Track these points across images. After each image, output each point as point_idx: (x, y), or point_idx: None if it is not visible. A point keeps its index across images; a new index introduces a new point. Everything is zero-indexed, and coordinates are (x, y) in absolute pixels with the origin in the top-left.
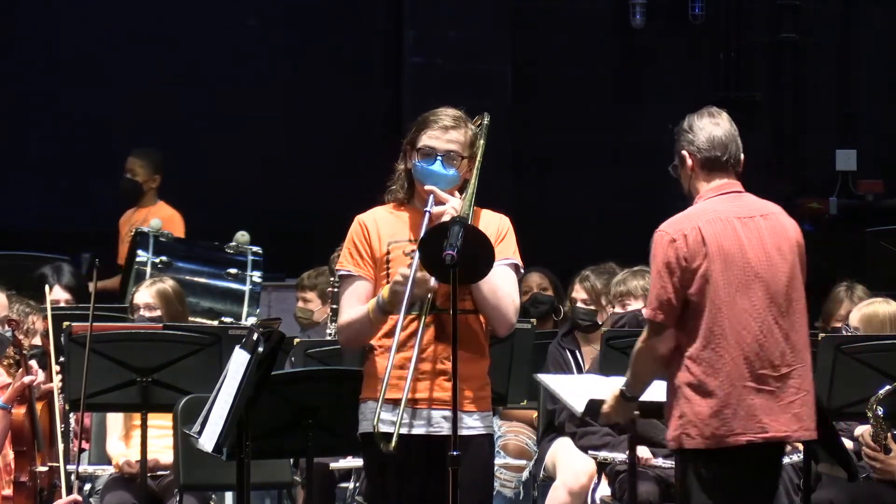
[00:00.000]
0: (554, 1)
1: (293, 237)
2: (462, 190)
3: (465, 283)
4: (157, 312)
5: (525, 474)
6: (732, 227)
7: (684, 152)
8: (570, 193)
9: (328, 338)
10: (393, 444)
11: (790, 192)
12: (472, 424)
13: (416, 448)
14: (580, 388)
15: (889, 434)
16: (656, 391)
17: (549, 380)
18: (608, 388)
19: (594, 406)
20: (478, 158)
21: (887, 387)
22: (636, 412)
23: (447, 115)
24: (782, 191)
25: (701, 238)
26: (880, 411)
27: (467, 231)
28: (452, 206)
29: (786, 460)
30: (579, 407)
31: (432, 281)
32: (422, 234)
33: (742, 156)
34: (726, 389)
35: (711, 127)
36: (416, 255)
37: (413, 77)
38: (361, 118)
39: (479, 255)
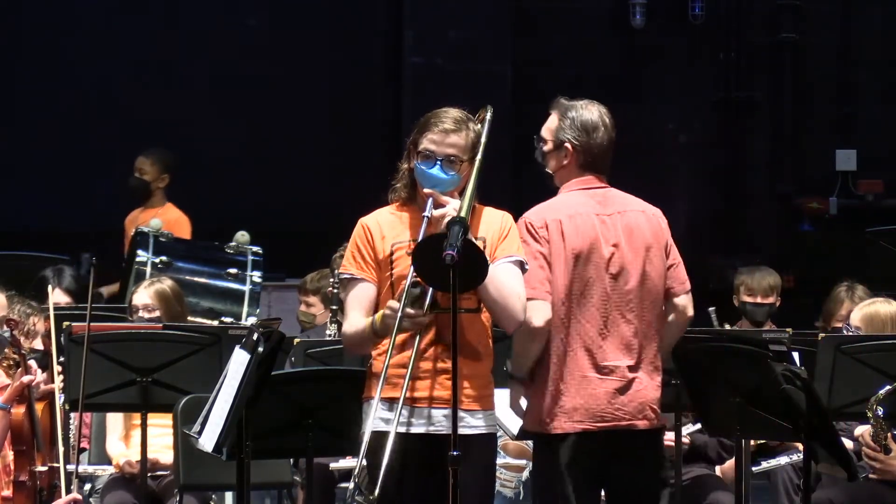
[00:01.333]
0: (554, 1)
1: (293, 237)
2: (463, 191)
3: (462, 292)
4: (156, 313)
5: (525, 474)
6: (591, 224)
7: (568, 145)
8: None
9: (328, 338)
10: (375, 496)
11: (790, 192)
12: (474, 423)
13: (417, 447)
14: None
15: (889, 434)
16: None
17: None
18: None
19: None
20: (478, 158)
21: (887, 387)
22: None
23: (449, 117)
24: (782, 191)
25: (561, 231)
26: (880, 411)
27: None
28: (453, 207)
29: (785, 460)
30: (514, 429)
31: (421, 317)
32: (416, 244)
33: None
34: (566, 379)
35: (602, 135)
36: (407, 285)
37: (413, 77)
38: (361, 118)
39: (472, 264)
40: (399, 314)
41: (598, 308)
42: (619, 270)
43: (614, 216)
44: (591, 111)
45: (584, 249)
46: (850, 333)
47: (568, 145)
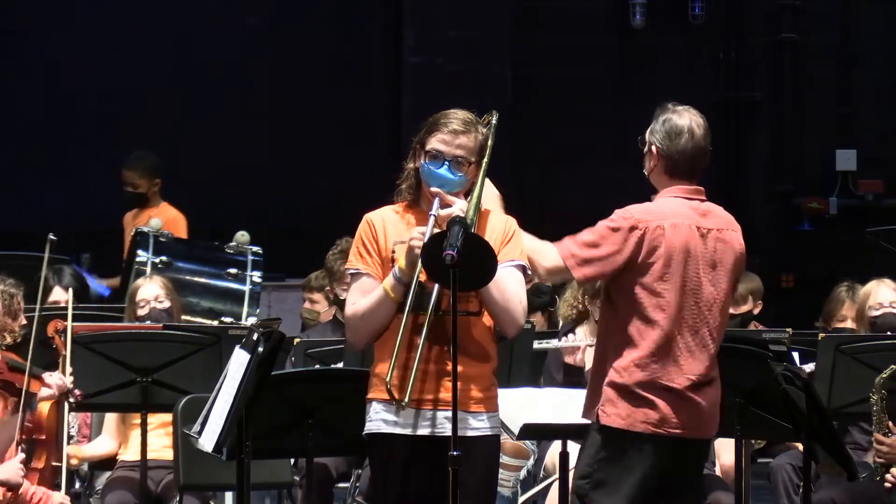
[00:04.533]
0: (554, 1)
1: (293, 237)
2: (469, 192)
3: (469, 290)
4: (167, 304)
5: (522, 473)
6: (690, 234)
7: (654, 148)
8: (570, 193)
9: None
10: (406, 399)
11: (790, 192)
12: (476, 425)
13: (420, 449)
14: (519, 409)
15: (889, 422)
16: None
17: None
18: (546, 406)
19: (528, 430)
20: (484, 162)
21: (892, 366)
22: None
23: (458, 118)
24: (782, 191)
25: (663, 236)
26: (884, 393)
27: (470, 237)
28: (459, 207)
29: (785, 460)
30: (515, 430)
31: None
32: (425, 239)
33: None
34: None
35: (685, 142)
36: (433, 215)
37: (413, 77)
38: (361, 118)
39: (482, 261)
40: (428, 234)
41: (686, 316)
42: (701, 285)
43: (713, 232)
44: (681, 116)
45: (680, 257)
46: (888, 311)
47: (654, 148)
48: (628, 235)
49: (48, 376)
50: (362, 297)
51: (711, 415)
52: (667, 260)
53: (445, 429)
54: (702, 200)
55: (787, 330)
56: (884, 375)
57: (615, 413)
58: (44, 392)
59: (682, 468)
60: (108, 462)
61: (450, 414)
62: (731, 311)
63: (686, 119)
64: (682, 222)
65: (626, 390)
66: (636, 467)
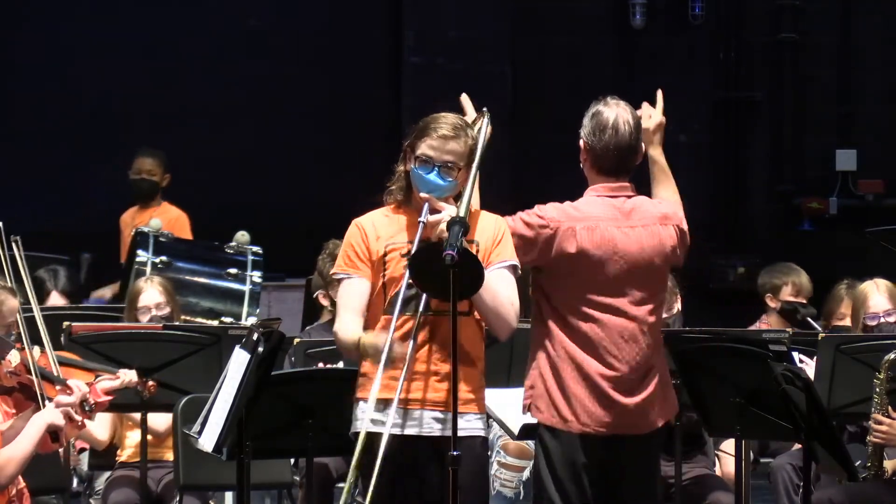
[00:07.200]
0: (554, 1)
1: (293, 237)
2: (460, 195)
3: (458, 300)
4: (167, 310)
5: (525, 474)
6: (609, 235)
7: (580, 142)
8: (570, 193)
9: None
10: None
11: (790, 191)
12: (464, 426)
13: (408, 449)
14: (519, 409)
15: (888, 407)
16: None
17: (490, 396)
18: None
19: (528, 429)
20: (475, 162)
21: None
22: None
23: (448, 123)
24: (782, 191)
25: (574, 237)
26: (890, 374)
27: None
28: (448, 213)
29: (785, 460)
30: (515, 430)
31: (401, 349)
32: (413, 250)
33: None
34: None
35: (609, 138)
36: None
37: (413, 77)
38: (361, 118)
39: (468, 273)
40: (384, 353)
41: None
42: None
43: (638, 229)
44: (609, 111)
45: (596, 258)
46: (884, 321)
47: (581, 143)
48: (539, 233)
49: (73, 382)
50: (350, 301)
51: (644, 411)
52: (578, 262)
53: (433, 428)
54: (628, 197)
55: (788, 330)
56: (890, 357)
57: (546, 411)
58: (62, 399)
59: (620, 464)
60: (108, 462)
61: (437, 414)
62: (803, 300)
63: (613, 114)
64: (598, 224)
65: (553, 389)
66: (569, 463)
